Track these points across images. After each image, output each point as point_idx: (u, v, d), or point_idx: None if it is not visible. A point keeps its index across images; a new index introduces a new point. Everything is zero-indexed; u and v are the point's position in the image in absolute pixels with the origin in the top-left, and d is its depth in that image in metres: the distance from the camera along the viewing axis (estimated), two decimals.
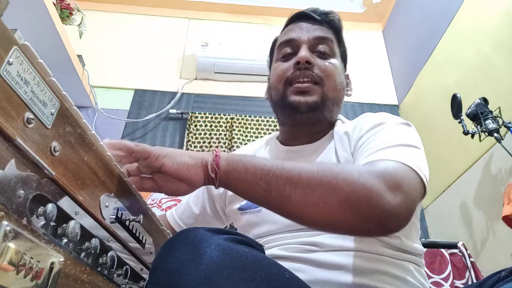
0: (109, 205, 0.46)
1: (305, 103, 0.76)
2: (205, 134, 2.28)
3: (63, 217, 0.38)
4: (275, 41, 0.92)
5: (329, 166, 0.55)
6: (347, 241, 0.63)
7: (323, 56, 0.81)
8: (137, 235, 0.53)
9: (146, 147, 0.55)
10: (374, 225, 0.50)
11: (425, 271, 0.68)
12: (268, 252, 0.66)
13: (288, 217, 0.55)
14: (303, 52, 0.79)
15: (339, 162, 0.72)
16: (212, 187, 0.86)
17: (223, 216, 0.90)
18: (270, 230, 0.70)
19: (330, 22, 0.85)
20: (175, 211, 0.94)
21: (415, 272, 0.64)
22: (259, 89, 2.54)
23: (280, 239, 0.67)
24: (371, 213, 0.49)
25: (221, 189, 0.84)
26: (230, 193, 0.82)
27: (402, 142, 0.62)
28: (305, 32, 0.83)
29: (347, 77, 0.89)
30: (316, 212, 0.51)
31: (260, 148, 0.91)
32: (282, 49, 0.84)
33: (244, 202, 0.78)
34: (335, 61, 0.83)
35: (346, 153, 0.72)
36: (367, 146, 0.65)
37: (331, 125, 0.82)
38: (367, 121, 0.73)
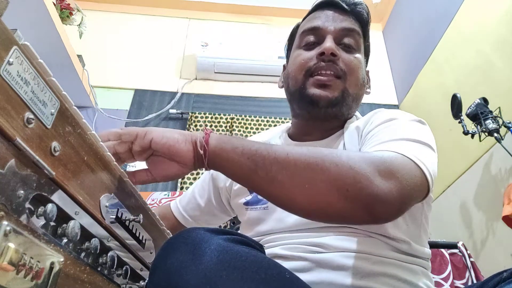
0: (109, 205, 0.46)
1: (325, 97, 0.72)
2: None
3: (63, 217, 0.38)
4: (297, 27, 0.86)
5: (318, 149, 0.52)
6: (353, 243, 0.61)
7: (348, 49, 0.77)
8: (137, 235, 0.53)
9: (131, 128, 0.55)
10: (361, 209, 0.48)
11: (432, 277, 0.67)
12: (271, 250, 0.65)
13: (274, 200, 0.53)
14: (329, 43, 0.74)
15: None
16: (218, 179, 0.86)
17: (229, 208, 0.87)
18: (275, 229, 0.68)
19: (358, 14, 0.81)
20: (179, 202, 0.91)
21: (423, 276, 0.62)
22: (259, 89, 2.54)
23: (285, 238, 0.66)
24: (359, 195, 0.47)
25: (227, 182, 0.83)
26: (236, 186, 0.80)
27: (411, 137, 0.60)
28: (332, 21, 0.78)
29: (367, 73, 0.85)
30: (302, 194, 0.49)
31: (271, 140, 0.87)
32: (305, 36, 0.79)
33: (249, 197, 0.76)
34: (360, 56, 0.79)
35: (354, 148, 0.70)
36: (373, 138, 0.63)
37: (345, 121, 0.78)
38: (379, 116, 0.70)
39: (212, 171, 0.84)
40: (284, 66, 0.90)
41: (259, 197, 0.73)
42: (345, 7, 0.80)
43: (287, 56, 0.89)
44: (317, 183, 0.49)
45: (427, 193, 0.56)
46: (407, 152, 0.54)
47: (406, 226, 0.64)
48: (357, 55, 0.78)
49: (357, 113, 0.82)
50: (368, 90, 0.85)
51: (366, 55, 0.84)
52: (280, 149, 0.52)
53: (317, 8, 0.82)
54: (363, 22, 0.82)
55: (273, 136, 0.88)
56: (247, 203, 0.76)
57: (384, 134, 0.62)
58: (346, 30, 0.78)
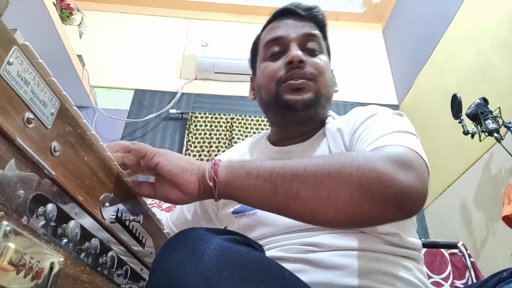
0: (109, 205, 0.46)
1: (301, 100, 0.74)
2: (205, 134, 2.28)
3: (63, 217, 0.38)
4: (258, 39, 0.89)
5: (333, 156, 0.53)
6: (347, 240, 0.62)
7: (313, 53, 0.80)
8: (137, 235, 0.53)
9: (143, 145, 0.54)
10: (392, 207, 0.48)
11: (425, 271, 0.68)
12: (267, 253, 0.65)
13: (299, 218, 0.52)
14: (295, 51, 0.76)
15: None
16: None
17: (216, 221, 0.88)
18: (267, 233, 0.68)
19: (315, 18, 0.84)
20: (169, 217, 0.93)
21: (416, 271, 0.63)
22: None
23: (278, 240, 0.66)
24: (387, 194, 0.47)
25: None
26: None
27: (400, 129, 0.61)
28: (293, 29, 0.80)
29: (332, 72, 0.88)
30: (328, 205, 0.48)
31: (249, 149, 0.88)
32: (270, 47, 0.81)
33: (238, 205, 0.76)
34: (325, 57, 0.82)
35: (339, 150, 0.71)
36: (366, 136, 0.63)
37: (322, 122, 0.80)
38: (360, 114, 0.72)
39: None
40: (251, 78, 0.92)
41: None
42: (302, 13, 0.83)
43: (252, 68, 0.91)
44: (343, 191, 0.48)
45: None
46: (409, 145, 0.55)
47: None
48: (322, 57, 0.81)
49: (331, 113, 0.84)
50: (336, 88, 0.86)
51: (328, 54, 0.86)
52: (296, 163, 0.51)
53: (274, 18, 0.85)
54: (321, 24, 0.84)
55: (251, 145, 0.89)
56: (235, 212, 0.76)
57: (374, 130, 0.63)
58: (308, 35, 0.80)
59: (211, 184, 0.52)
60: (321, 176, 0.49)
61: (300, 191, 0.49)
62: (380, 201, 0.47)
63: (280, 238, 0.66)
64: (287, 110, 0.76)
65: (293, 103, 0.75)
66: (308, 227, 0.64)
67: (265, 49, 0.83)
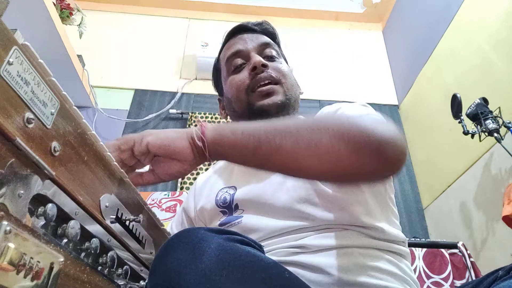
0: (109, 205, 0.46)
1: (274, 104, 0.77)
2: None
3: (63, 217, 0.38)
4: (217, 60, 0.94)
5: (313, 115, 0.56)
6: (332, 239, 0.62)
7: (272, 59, 0.84)
8: (137, 235, 0.53)
9: (127, 137, 0.56)
10: (373, 156, 0.49)
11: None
12: None
13: (285, 170, 0.54)
14: (256, 57, 0.80)
15: None
16: (188, 209, 0.87)
17: None
18: (254, 239, 0.69)
19: (266, 30, 0.89)
20: None
21: (401, 264, 0.64)
22: None
23: (266, 246, 0.66)
24: (368, 144, 0.48)
25: (198, 207, 0.83)
26: (207, 211, 0.80)
27: (367, 112, 0.65)
28: (250, 41, 0.85)
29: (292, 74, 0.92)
30: (311, 155, 0.50)
31: (219, 169, 0.89)
32: (232, 62, 0.85)
33: (223, 218, 0.76)
34: (284, 62, 0.87)
35: None
36: None
37: None
38: (326, 113, 0.74)
39: (183, 204, 0.90)
40: (219, 99, 0.96)
41: (233, 214, 0.74)
42: (254, 27, 0.89)
43: (218, 89, 0.95)
44: (324, 141, 0.50)
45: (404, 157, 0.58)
46: (373, 117, 0.57)
47: (375, 210, 0.67)
48: (282, 61, 0.86)
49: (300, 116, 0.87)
50: (301, 91, 0.90)
51: (286, 60, 0.92)
52: (278, 122, 0.55)
53: (230, 37, 0.90)
54: (273, 36, 0.91)
55: (217, 168, 0.90)
56: (221, 224, 0.76)
57: (345, 116, 0.64)
58: (264, 44, 0.86)
59: (200, 144, 0.54)
60: (303, 130, 0.51)
61: (282, 143, 0.51)
62: (362, 150, 0.49)
63: (268, 243, 0.66)
64: (261, 116, 0.77)
65: (267, 107, 0.77)
66: (293, 229, 0.64)
67: (227, 65, 0.87)
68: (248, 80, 0.80)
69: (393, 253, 0.65)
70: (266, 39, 0.87)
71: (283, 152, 0.51)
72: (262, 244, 0.67)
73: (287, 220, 0.65)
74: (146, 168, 0.61)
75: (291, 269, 0.60)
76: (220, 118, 0.96)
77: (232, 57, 0.85)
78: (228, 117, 0.91)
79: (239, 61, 0.84)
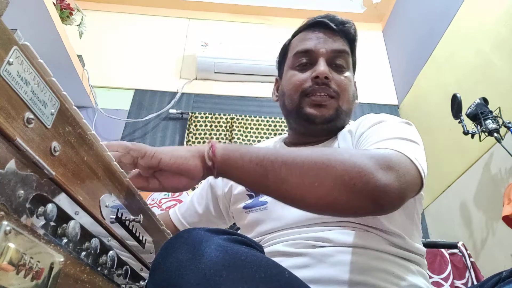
0: (109, 205, 0.46)
1: (321, 117, 0.78)
2: (205, 134, 2.28)
3: (63, 217, 0.38)
4: (288, 44, 0.91)
5: (321, 149, 0.57)
6: (352, 237, 0.64)
7: (339, 69, 0.82)
8: (137, 235, 0.53)
9: (141, 145, 0.57)
10: (367, 200, 0.51)
11: (428, 277, 0.69)
12: (274, 248, 0.67)
13: (285, 200, 0.56)
14: (322, 67, 0.79)
15: None
16: (216, 187, 0.90)
17: (226, 216, 0.91)
18: (275, 227, 0.71)
19: (347, 32, 0.85)
20: (178, 209, 0.94)
21: (418, 274, 0.64)
22: (259, 89, 2.54)
23: (286, 235, 0.68)
24: (364, 189, 0.51)
25: (226, 189, 0.87)
26: (235, 192, 0.83)
27: (402, 136, 0.64)
28: (323, 43, 0.82)
29: (355, 84, 0.90)
30: (312, 192, 0.52)
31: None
32: (299, 58, 0.83)
33: (249, 201, 0.79)
34: (350, 75, 0.84)
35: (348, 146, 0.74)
36: (367, 139, 0.67)
37: (338, 130, 0.83)
38: (369, 119, 0.75)
39: (210, 180, 0.90)
40: (276, 79, 0.94)
41: (259, 199, 0.77)
42: (334, 27, 0.84)
43: (279, 69, 0.93)
44: (326, 181, 0.52)
45: (421, 188, 0.60)
46: (402, 150, 0.58)
47: (400, 219, 0.68)
48: (347, 74, 0.83)
49: (350, 122, 0.87)
50: (356, 101, 0.89)
51: (354, 68, 0.89)
52: (286, 152, 0.56)
53: (307, 27, 0.87)
54: (351, 39, 0.86)
55: (268, 146, 0.93)
56: (246, 207, 0.79)
57: (377, 135, 0.66)
58: (337, 51, 0.82)
59: (210, 163, 0.56)
60: (308, 166, 0.53)
61: (288, 176, 0.53)
62: (358, 194, 0.51)
63: (289, 232, 0.68)
64: (306, 122, 0.79)
65: (313, 117, 0.78)
66: (316, 222, 0.66)
67: (294, 58, 0.85)
68: (307, 84, 0.79)
69: (410, 262, 0.65)
70: (341, 45, 0.83)
71: (287, 184, 0.53)
72: (283, 233, 0.69)
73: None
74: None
75: (307, 261, 0.62)
76: (273, 100, 0.94)
77: (300, 53, 0.83)
78: (278, 101, 0.90)
79: (304, 60, 0.82)
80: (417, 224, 0.72)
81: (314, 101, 0.78)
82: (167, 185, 0.58)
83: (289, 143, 0.89)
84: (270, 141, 0.96)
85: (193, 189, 0.95)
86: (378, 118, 0.73)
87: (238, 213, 0.82)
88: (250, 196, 0.80)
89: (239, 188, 0.82)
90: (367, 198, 0.51)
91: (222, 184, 0.88)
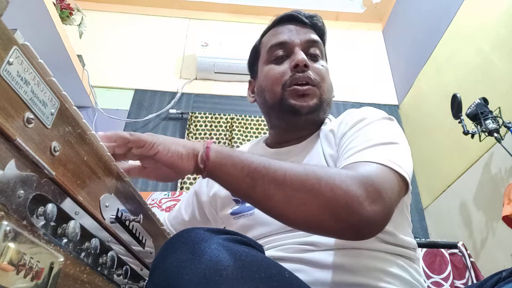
0: (109, 205, 0.46)
1: (306, 106, 0.77)
2: (205, 134, 2.28)
3: (63, 217, 0.38)
4: (259, 42, 0.91)
5: (313, 169, 0.55)
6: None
7: (315, 58, 0.83)
8: (137, 235, 0.53)
9: (141, 136, 0.57)
10: (350, 229, 0.52)
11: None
12: (266, 253, 0.66)
13: (269, 214, 0.56)
14: (300, 55, 0.79)
15: (326, 160, 0.73)
16: (201, 193, 0.89)
17: (213, 222, 0.90)
18: (264, 232, 0.70)
19: (316, 25, 0.87)
20: (167, 217, 0.94)
21: (410, 269, 0.65)
22: None
23: (276, 240, 0.67)
24: (350, 219, 0.51)
25: (211, 193, 0.86)
26: (220, 198, 0.82)
27: (383, 140, 0.64)
28: (296, 35, 0.83)
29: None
30: (297, 213, 0.53)
31: (250, 151, 0.91)
32: (274, 51, 0.83)
33: (236, 206, 0.78)
34: (325, 63, 0.85)
35: (332, 150, 0.73)
36: (349, 145, 0.66)
37: (319, 125, 0.83)
38: (351, 117, 0.74)
39: (196, 187, 0.91)
40: (250, 81, 0.95)
41: (246, 204, 0.76)
42: (304, 20, 0.85)
43: (252, 71, 0.93)
44: (312, 206, 0.52)
45: (407, 190, 0.61)
46: (384, 160, 0.58)
47: (391, 217, 0.67)
48: (323, 63, 0.84)
49: (329, 116, 0.87)
50: (333, 94, 0.89)
51: (326, 61, 0.90)
52: (278, 167, 0.55)
53: (278, 23, 0.87)
54: (321, 32, 0.88)
55: (251, 148, 0.93)
56: (233, 213, 0.78)
57: (358, 140, 0.66)
58: (311, 41, 0.83)
59: (202, 166, 0.57)
60: (297, 186, 0.53)
61: (275, 194, 0.53)
62: (342, 222, 0.52)
63: (278, 237, 0.67)
64: (291, 114, 0.78)
65: (299, 108, 0.77)
66: None
67: (268, 52, 0.84)
68: (287, 75, 0.79)
69: (403, 257, 0.65)
70: (314, 36, 0.84)
71: (273, 201, 0.54)
72: (272, 238, 0.68)
73: None
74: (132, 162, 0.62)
75: (301, 267, 0.61)
76: (250, 102, 0.93)
77: (275, 46, 0.83)
78: (256, 102, 0.90)
79: (280, 52, 0.82)
80: (406, 216, 0.72)
81: (297, 91, 0.77)
82: (154, 174, 0.60)
83: (270, 143, 0.88)
84: (252, 144, 0.95)
85: (183, 189, 0.95)
86: (360, 115, 0.72)
87: (227, 219, 0.81)
88: (237, 202, 0.79)
89: (223, 193, 0.81)
90: (350, 227, 0.52)
91: (206, 190, 0.88)
